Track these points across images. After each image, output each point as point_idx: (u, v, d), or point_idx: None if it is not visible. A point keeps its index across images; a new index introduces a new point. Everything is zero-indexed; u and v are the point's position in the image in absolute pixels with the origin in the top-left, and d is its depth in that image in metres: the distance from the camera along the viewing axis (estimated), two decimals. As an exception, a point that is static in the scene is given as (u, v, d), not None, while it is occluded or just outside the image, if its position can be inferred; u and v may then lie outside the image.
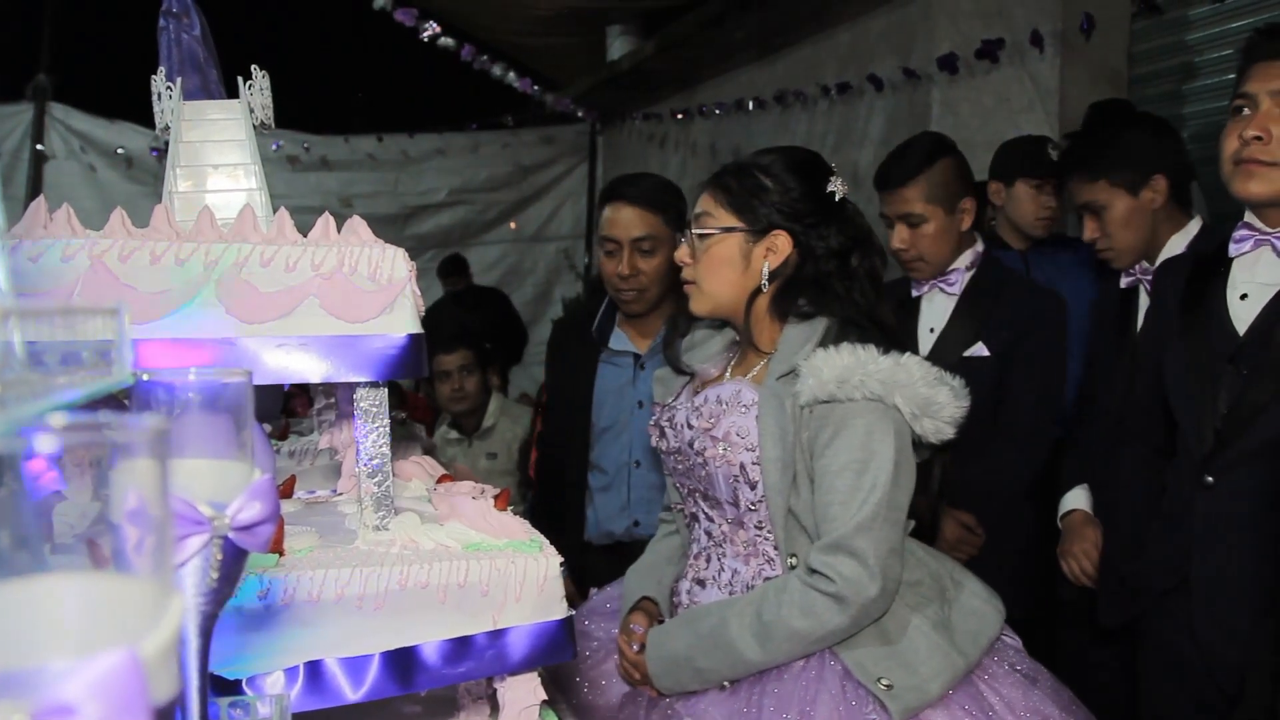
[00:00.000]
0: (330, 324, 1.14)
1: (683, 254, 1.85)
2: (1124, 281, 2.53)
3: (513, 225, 8.97)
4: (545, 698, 1.23)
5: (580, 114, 8.42)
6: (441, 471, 1.52)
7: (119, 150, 7.66)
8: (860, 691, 1.61)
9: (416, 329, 1.18)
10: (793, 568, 1.70)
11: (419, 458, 1.56)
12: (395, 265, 1.18)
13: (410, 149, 8.36)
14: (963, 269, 2.65)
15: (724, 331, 1.94)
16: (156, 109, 1.65)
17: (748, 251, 1.79)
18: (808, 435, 1.67)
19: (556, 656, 1.21)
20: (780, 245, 1.78)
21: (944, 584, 1.76)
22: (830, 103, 5.79)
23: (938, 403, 1.66)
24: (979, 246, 2.69)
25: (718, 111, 6.77)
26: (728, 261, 1.79)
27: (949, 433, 1.69)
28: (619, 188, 2.73)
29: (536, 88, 7.30)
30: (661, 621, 1.84)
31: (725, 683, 1.70)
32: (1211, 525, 1.91)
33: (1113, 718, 1.94)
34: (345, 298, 1.15)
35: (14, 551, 0.42)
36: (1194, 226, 2.48)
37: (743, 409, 1.73)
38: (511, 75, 6.89)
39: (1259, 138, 1.86)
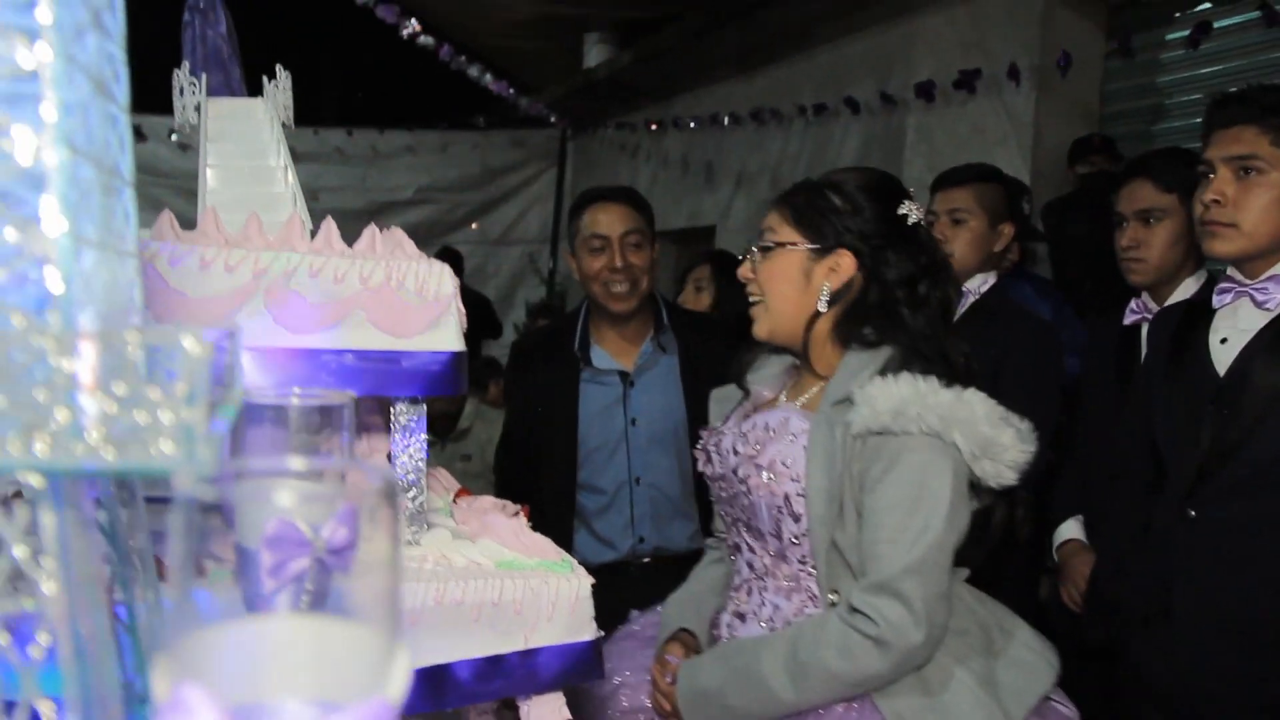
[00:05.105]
0: (376, 338, 1.13)
1: (745, 270, 1.79)
2: (1128, 318, 2.61)
3: (473, 226, 8.95)
4: (570, 717, 1.23)
5: (552, 119, 8.42)
6: (457, 486, 1.51)
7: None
8: None
9: (460, 346, 1.18)
10: (833, 604, 1.63)
11: (433, 470, 1.55)
12: (441, 281, 1.17)
13: (380, 145, 8.31)
14: (972, 291, 2.75)
15: (784, 355, 1.87)
16: (177, 104, 1.64)
17: (809, 269, 1.72)
18: (859, 467, 1.59)
19: (586, 676, 1.21)
20: (843, 265, 1.71)
21: (992, 635, 1.67)
22: (806, 123, 5.85)
23: (1000, 444, 1.56)
24: (992, 278, 2.79)
25: (692, 125, 6.81)
26: (787, 277, 1.73)
27: (1010, 478, 1.58)
28: (598, 191, 2.82)
29: (512, 90, 7.29)
30: (699, 653, 1.78)
31: None
32: (1194, 556, 1.99)
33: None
34: (392, 312, 1.14)
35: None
36: (1203, 276, 2.56)
37: (790, 437, 1.67)
38: (488, 77, 6.87)
39: (1217, 201, 2.00)
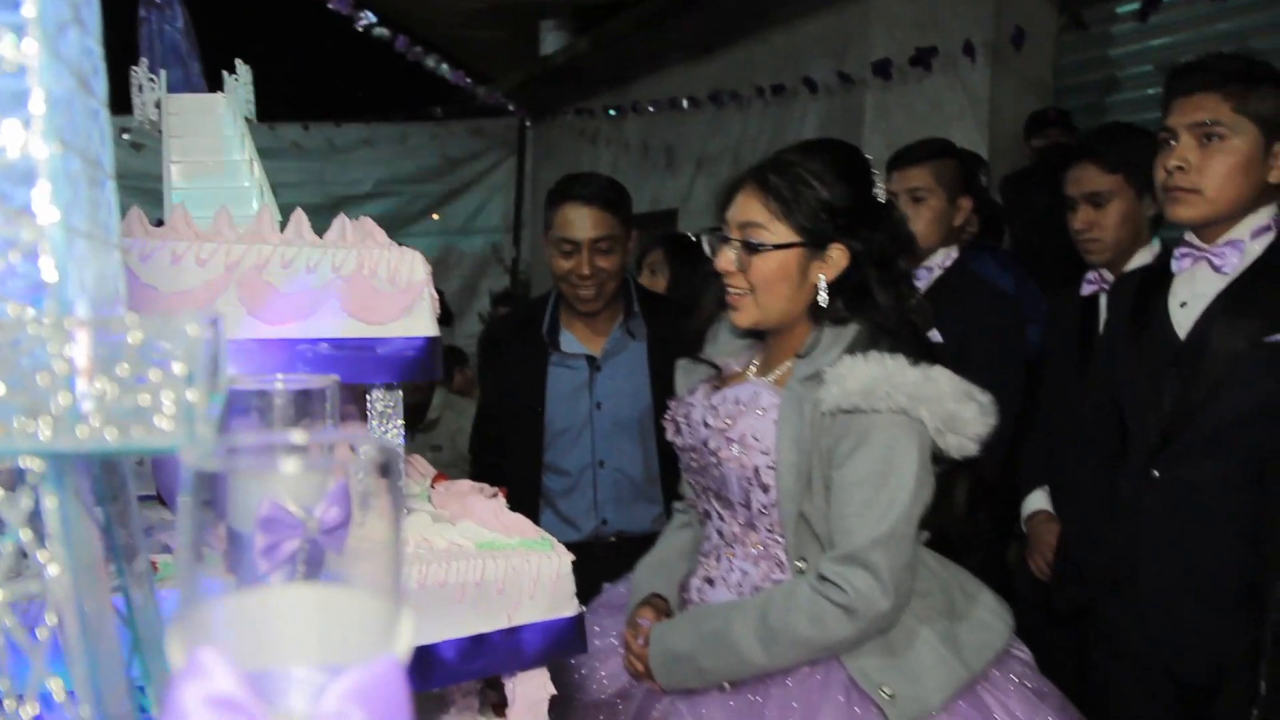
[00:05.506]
0: (351, 326, 1.14)
1: (726, 263, 1.74)
2: (1085, 289, 2.66)
3: (434, 217, 8.90)
4: (555, 692, 1.26)
5: (511, 107, 8.39)
6: (434, 471, 1.52)
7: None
8: (864, 700, 1.62)
9: (434, 332, 1.19)
10: (800, 572, 1.69)
11: (409, 456, 1.56)
12: (414, 268, 1.18)
13: (336, 138, 8.23)
14: (935, 267, 2.78)
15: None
16: (136, 101, 1.63)
17: (805, 267, 1.71)
18: (828, 443, 1.64)
19: (569, 652, 1.23)
20: (836, 258, 1.71)
21: (953, 596, 1.74)
22: (765, 104, 5.87)
23: (963, 419, 1.61)
24: (954, 252, 2.83)
25: (651, 109, 6.81)
26: (784, 277, 1.70)
27: (972, 449, 1.64)
28: (571, 188, 2.76)
29: (470, 80, 7.26)
30: (670, 616, 1.83)
31: (725, 683, 1.69)
32: (1159, 517, 2.04)
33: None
34: (365, 300, 1.15)
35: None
36: (1156, 246, 2.62)
37: (760, 411, 1.70)
38: (445, 67, 6.84)
39: (1180, 167, 2.03)
